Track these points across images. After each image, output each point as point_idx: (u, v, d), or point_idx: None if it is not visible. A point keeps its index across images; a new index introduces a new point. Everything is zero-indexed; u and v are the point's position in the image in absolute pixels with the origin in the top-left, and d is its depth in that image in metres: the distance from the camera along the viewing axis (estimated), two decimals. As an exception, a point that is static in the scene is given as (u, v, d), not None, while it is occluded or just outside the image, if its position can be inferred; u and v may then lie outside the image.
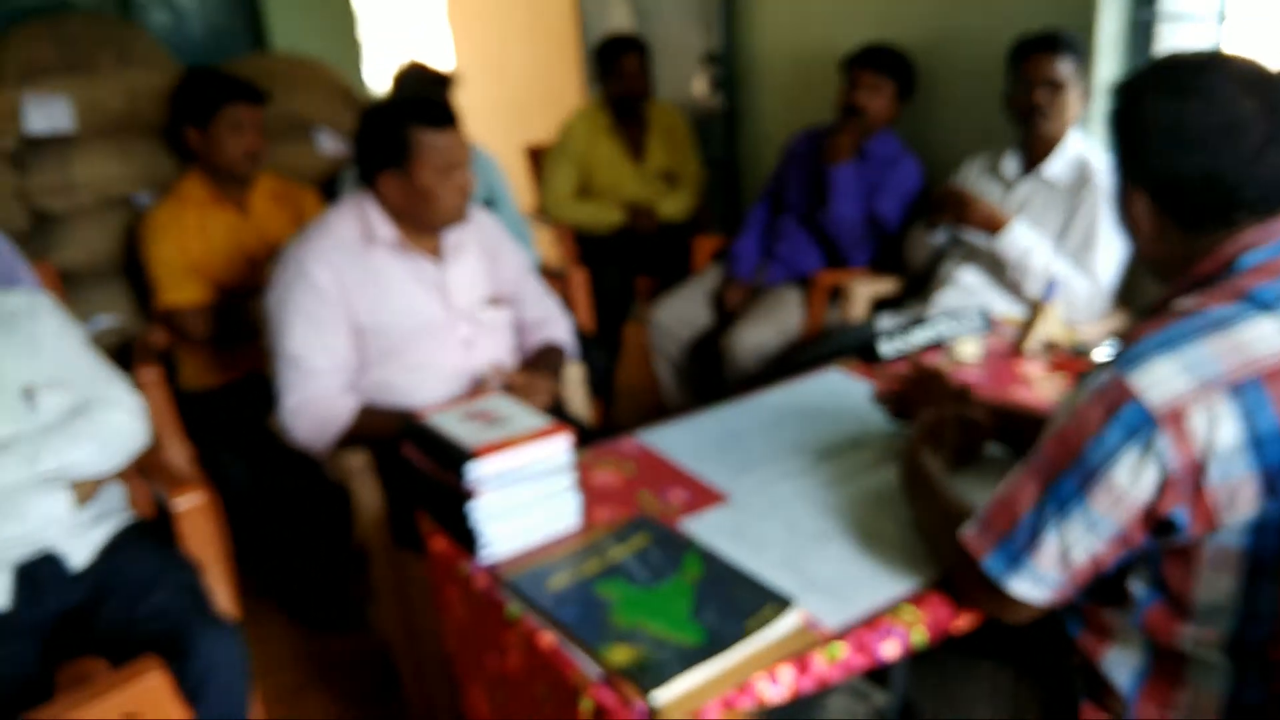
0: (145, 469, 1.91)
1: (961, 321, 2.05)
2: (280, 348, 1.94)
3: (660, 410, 3.07)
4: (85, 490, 1.73)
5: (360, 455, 1.91)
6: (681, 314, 3.14)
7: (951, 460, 1.43)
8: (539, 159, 3.83)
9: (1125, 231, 1.18)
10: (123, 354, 2.52)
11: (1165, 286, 1.15)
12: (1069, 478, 1.03)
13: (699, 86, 3.98)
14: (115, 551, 1.76)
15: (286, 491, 2.34)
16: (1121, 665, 1.12)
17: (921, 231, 2.66)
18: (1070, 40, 2.37)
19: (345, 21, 3.69)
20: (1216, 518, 0.99)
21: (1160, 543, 1.04)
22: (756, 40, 3.70)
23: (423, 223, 1.98)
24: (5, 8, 3.00)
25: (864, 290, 2.78)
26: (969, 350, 1.95)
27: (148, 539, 1.81)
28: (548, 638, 1.19)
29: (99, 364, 1.85)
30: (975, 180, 2.60)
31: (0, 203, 2.53)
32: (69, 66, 2.75)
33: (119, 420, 1.78)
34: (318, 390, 1.93)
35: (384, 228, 1.97)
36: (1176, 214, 1.09)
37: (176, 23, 3.34)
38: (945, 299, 2.50)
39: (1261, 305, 1.01)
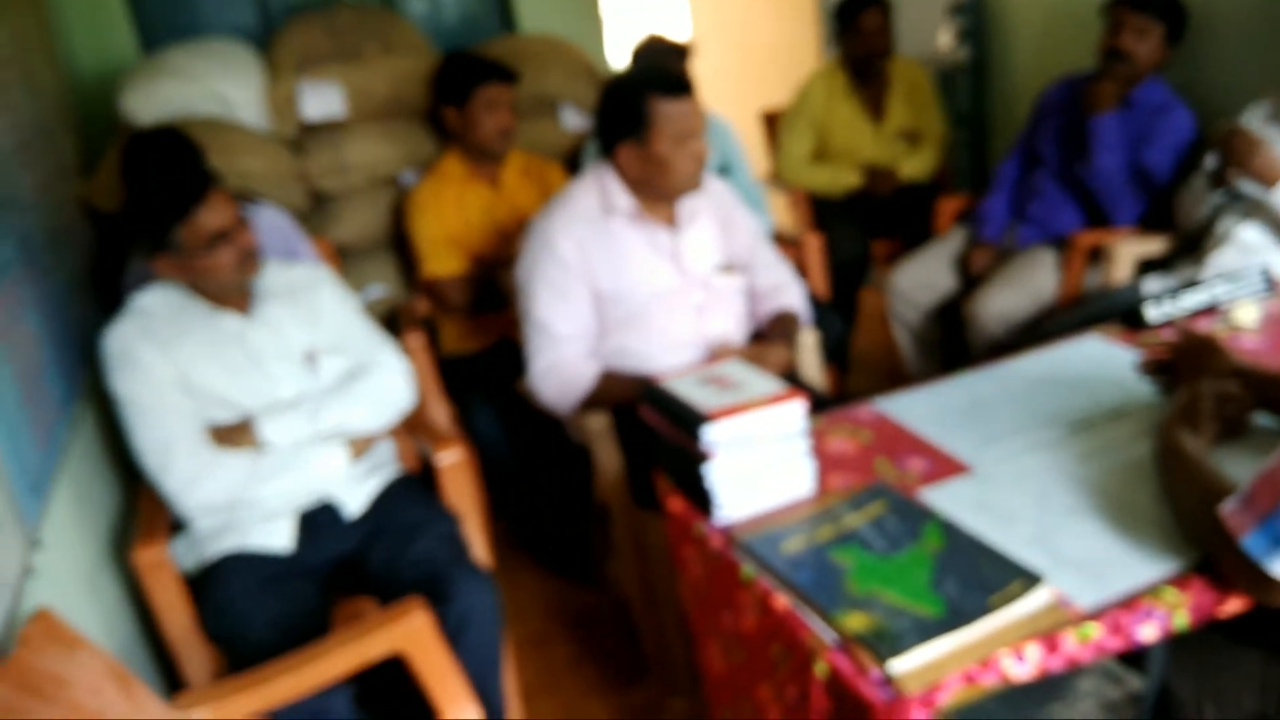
0: (411, 426, 2.08)
1: (1239, 284, 1.86)
2: (529, 315, 2.04)
3: (899, 379, 2.98)
4: (360, 446, 1.91)
5: (601, 418, 1.98)
6: (922, 279, 3.03)
7: (1212, 439, 1.31)
8: (775, 124, 3.79)
9: None
10: (390, 321, 2.74)
11: None
12: None
13: (944, 39, 3.80)
14: (385, 501, 1.93)
15: (535, 450, 2.47)
16: None
17: (1198, 186, 2.43)
18: None
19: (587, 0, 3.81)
20: None
21: None
22: (1007, -14, 3.48)
23: (659, 191, 2.02)
24: (282, 2, 3.30)
25: (1128, 250, 2.57)
26: (1247, 315, 1.77)
27: (413, 490, 1.97)
28: (782, 600, 1.20)
29: (372, 331, 2.03)
30: (1259, 128, 2.33)
31: (284, 184, 2.79)
32: (339, 56, 2.97)
33: (390, 382, 1.94)
34: (563, 355, 2.02)
35: (622, 198, 2.02)
36: None
37: (433, 10, 3.55)
38: (1222, 259, 2.27)
39: None
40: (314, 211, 2.90)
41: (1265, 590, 1.04)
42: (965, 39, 3.68)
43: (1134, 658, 1.31)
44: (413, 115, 2.98)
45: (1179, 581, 1.13)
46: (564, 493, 2.50)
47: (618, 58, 4.22)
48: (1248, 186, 2.24)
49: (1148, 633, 1.10)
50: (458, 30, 3.59)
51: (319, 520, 1.86)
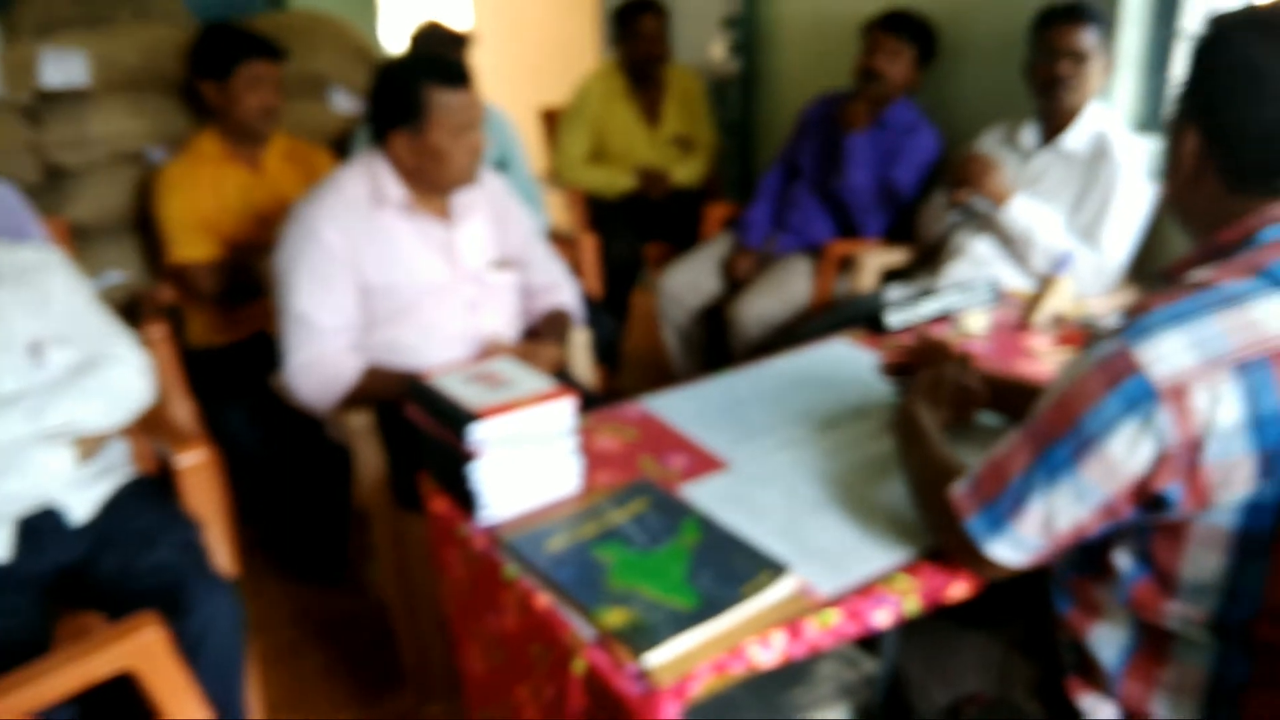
0: (149, 425, 1.92)
1: (970, 294, 2.04)
2: (287, 306, 1.94)
3: (667, 378, 3.07)
4: (89, 446, 1.74)
5: (363, 415, 1.92)
6: (690, 282, 3.13)
7: (947, 420, 1.43)
8: (554, 122, 3.80)
9: (1164, 170, 1.15)
10: (131, 310, 2.54)
11: (1189, 237, 1.13)
12: (1063, 446, 1.02)
13: (717, 50, 3.94)
14: (116, 507, 1.77)
15: (289, 450, 2.36)
16: (1108, 642, 1.12)
17: (938, 203, 2.64)
18: (1094, 11, 2.33)
19: (361, -22, 3.68)
20: (1210, 496, 0.97)
21: (1150, 518, 1.03)
22: (776, 3, 3.65)
23: (433, 183, 1.98)
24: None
25: (874, 261, 2.76)
26: (976, 322, 1.94)
27: (149, 495, 1.82)
28: (543, 599, 1.19)
29: (107, 320, 1.86)
30: (993, 150, 2.57)
31: (13, 157, 2.53)
32: (87, 21, 2.74)
33: (124, 377, 1.79)
34: (323, 349, 1.94)
35: (393, 188, 1.96)
36: (1224, 162, 1.06)
37: (192, -22, 3.32)
38: (956, 270, 2.48)
39: (1277, 282, 0.98)
40: (48, 187, 2.64)
41: (980, 566, 1.14)
42: (737, 51, 3.83)
43: (869, 642, 1.40)
44: (165, 88, 2.77)
45: (910, 569, 1.22)
46: (320, 495, 2.40)
47: (394, 41, 4.10)
48: (981, 204, 2.45)
49: (882, 618, 1.18)
50: (219, 1, 3.37)
51: (39, 527, 1.68)
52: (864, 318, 2.00)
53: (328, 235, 1.92)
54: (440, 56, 1.99)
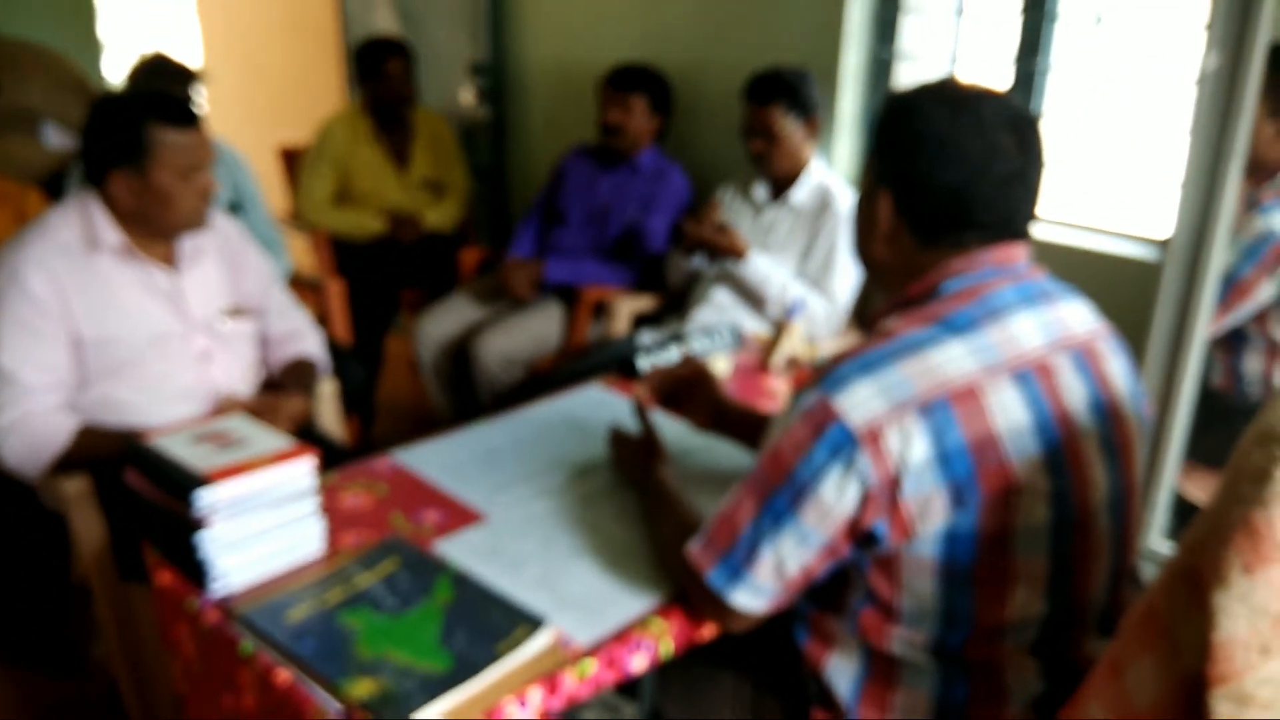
0: None
1: (715, 338, 2.12)
2: (-12, 362, 1.74)
3: (428, 426, 2.98)
4: None
5: (79, 481, 1.73)
6: (449, 328, 3.08)
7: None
8: (294, 162, 3.65)
9: (858, 231, 1.23)
10: None
11: (883, 291, 1.22)
12: (782, 494, 1.08)
13: (466, 96, 3.93)
14: None
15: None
16: (841, 671, 1.18)
17: (679, 253, 2.74)
18: (784, 85, 2.46)
19: (82, 6, 3.38)
20: (911, 528, 1.05)
21: (866, 553, 1.10)
22: (523, 52, 3.69)
23: (157, 227, 1.85)
24: None
25: (626, 306, 2.83)
26: (720, 365, 2.02)
27: None
28: (284, 674, 1.12)
29: None
30: (729, 203, 2.71)
31: None
32: None
33: None
34: (31, 409, 1.75)
35: (109, 232, 1.81)
36: (915, 221, 1.14)
37: None
38: (701, 316, 2.58)
39: (954, 329, 1.08)
40: None
41: (726, 617, 1.18)
42: (486, 98, 3.83)
43: (629, 687, 1.41)
44: None
45: (663, 611, 1.24)
46: (35, 568, 2.15)
47: (115, 75, 3.81)
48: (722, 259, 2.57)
49: (639, 663, 1.19)
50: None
51: None
52: (618, 362, 2.04)
53: (33, 284, 1.74)
54: (164, 92, 1.86)
